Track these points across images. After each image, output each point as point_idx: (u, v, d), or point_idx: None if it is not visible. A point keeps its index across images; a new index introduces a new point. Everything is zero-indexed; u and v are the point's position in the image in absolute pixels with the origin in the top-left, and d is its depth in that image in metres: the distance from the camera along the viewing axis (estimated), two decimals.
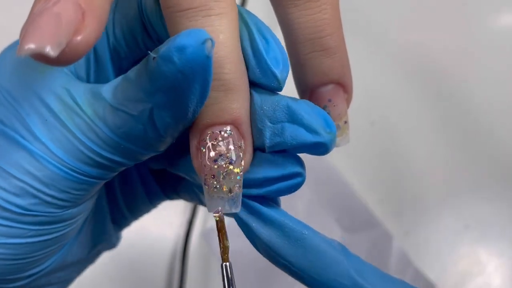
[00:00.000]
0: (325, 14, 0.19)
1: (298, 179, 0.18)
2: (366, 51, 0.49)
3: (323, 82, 0.20)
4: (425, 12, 0.51)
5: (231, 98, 0.17)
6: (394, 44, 0.50)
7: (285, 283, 0.41)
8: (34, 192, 0.17)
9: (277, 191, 0.18)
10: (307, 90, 0.20)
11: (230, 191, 0.17)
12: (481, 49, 0.50)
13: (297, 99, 0.18)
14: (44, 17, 0.14)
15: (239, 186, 0.18)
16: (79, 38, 0.14)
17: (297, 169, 0.18)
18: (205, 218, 0.43)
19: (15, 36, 0.19)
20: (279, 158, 0.18)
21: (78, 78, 0.20)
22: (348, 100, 0.20)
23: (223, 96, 0.17)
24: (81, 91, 0.18)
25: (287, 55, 0.18)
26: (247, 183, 0.18)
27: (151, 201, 0.25)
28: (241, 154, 0.18)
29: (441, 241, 0.42)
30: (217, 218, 0.18)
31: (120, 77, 0.17)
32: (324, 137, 0.17)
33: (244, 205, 0.19)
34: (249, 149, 0.18)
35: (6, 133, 0.18)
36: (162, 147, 0.18)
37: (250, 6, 0.47)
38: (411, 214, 0.43)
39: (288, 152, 0.18)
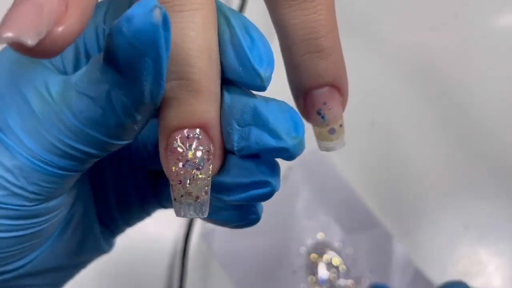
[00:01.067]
0: (320, 15, 0.18)
1: (266, 189, 0.17)
2: (366, 51, 0.49)
3: (318, 84, 0.19)
4: (425, 12, 0.51)
5: (200, 100, 0.16)
6: (394, 44, 0.50)
7: (288, 284, 0.41)
8: (3, 182, 0.17)
9: (249, 199, 0.18)
10: (301, 93, 0.20)
11: (197, 197, 0.17)
12: (481, 49, 0.49)
13: (271, 99, 0.18)
14: (25, 6, 0.14)
15: (206, 192, 0.17)
16: (60, 29, 0.14)
17: (265, 177, 0.17)
18: None
19: None
20: (251, 164, 0.17)
21: None
22: (343, 103, 0.20)
23: (191, 97, 0.16)
24: (57, 81, 0.17)
25: (274, 54, 0.18)
26: (218, 187, 0.18)
27: (145, 210, 0.24)
28: (210, 158, 0.17)
29: (441, 241, 0.42)
30: None
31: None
32: (286, 142, 0.16)
33: None
34: (218, 153, 0.17)
35: None
36: (126, 135, 0.17)
37: (249, 9, 0.47)
38: (411, 214, 0.43)
39: (262, 158, 0.18)
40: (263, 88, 0.17)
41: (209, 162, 0.17)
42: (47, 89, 0.17)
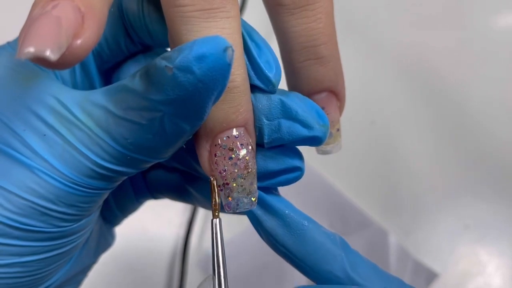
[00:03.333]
0: (320, 23, 0.19)
1: (297, 173, 0.19)
2: (365, 51, 0.49)
3: (317, 90, 0.20)
4: (425, 13, 0.51)
5: (243, 100, 0.17)
6: (393, 44, 0.50)
7: (287, 282, 0.41)
8: (41, 209, 0.17)
9: (277, 184, 0.19)
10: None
11: (249, 191, 0.18)
12: (480, 50, 0.49)
13: (288, 92, 0.19)
14: (44, 21, 0.14)
15: (256, 184, 0.18)
16: (79, 41, 0.14)
17: (296, 163, 0.19)
18: (205, 218, 0.43)
19: (13, 36, 0.19)
20: (279, 153, 0.19)
21: (64, 82, 0.20)
22: (340, 108, 0.21)
23: (236, 99, 0.17)
24: (73, 99, 0.17)
25: (280, 61, 0.19)
26: None
27: (138, 199, 0.25)
28: (253, 153, 0.18)
29: (441, 241, 0.42)
30: (213, 179, 0.18)
31: (117, 85, 0.17)
32: (318, 130, 0.18)
33: None
34: (255, 146, 0.18)
35: (3, 150, 0.17)
36: (169, 154, 0.18)
37: (249, 9, 0.47)
38: (411, 214, 0.43)
39: (286, 147, 0.19)
40: (273, 92, 0.18)
41: (254, 156, 0.18)
42: (66, 108, 0.17)
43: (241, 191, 0.18)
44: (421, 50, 0.49)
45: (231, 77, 0.16)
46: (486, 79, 0.48)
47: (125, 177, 0.18)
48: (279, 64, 0.18)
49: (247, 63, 0.18)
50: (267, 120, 0.18)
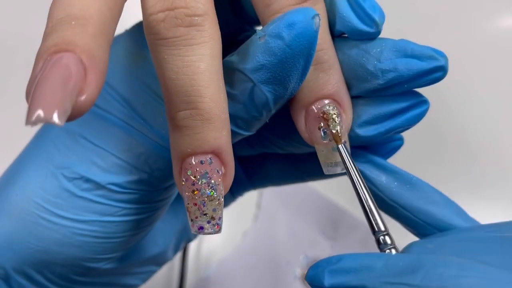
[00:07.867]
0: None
1: (424, 106, 0.20)
2: None
3: (318, 96, 0.19)
4: (425, 14, 0.51)
5: (211, 127, 0.17)
6: None
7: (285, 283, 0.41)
8: (131, 169, 0.19)
9: (406, 121, 0.20)
10: (302, 107, 0.20)
11: (212, 217, 0.18)
12: (479, 51, 0.49)
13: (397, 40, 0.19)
14: (49, 82, 0.14)
15: (220, 210, 0.18)
16: (83, 98, 0.14)
17: (420, 98, 0.20)
18: None
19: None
20: (397, 96, 0.19)
21: None
22: (346, 121, 0.20)
23: (201, 125, 0.17)
24: None
25: None
26: (372, 121, 0.19)
27: (232, 193, 0.26)
28: (221, 181, 0.18)
29: None
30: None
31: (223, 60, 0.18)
32: (440, 61, 0.18)
33: (359, 155, 0.21)
34: (229, 173, 0.18)
35: (103, 116, 0.19)
36: (256, 127, 0.19)
37: None
38: None
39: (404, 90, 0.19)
40: (377, 34, 0.19)
41: (221, 184, 0.18)
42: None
43: (201, 216, 0.18)
44: None
45: (197, 104, 0.17)
46: (487, 80, 0.48)
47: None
48: (382, 11, 0.19)
49: (349, 11, 0.19)
50: (380, 62, 0.19)
